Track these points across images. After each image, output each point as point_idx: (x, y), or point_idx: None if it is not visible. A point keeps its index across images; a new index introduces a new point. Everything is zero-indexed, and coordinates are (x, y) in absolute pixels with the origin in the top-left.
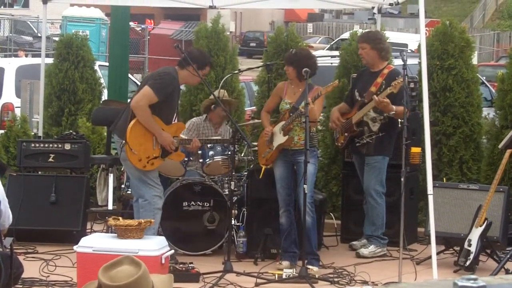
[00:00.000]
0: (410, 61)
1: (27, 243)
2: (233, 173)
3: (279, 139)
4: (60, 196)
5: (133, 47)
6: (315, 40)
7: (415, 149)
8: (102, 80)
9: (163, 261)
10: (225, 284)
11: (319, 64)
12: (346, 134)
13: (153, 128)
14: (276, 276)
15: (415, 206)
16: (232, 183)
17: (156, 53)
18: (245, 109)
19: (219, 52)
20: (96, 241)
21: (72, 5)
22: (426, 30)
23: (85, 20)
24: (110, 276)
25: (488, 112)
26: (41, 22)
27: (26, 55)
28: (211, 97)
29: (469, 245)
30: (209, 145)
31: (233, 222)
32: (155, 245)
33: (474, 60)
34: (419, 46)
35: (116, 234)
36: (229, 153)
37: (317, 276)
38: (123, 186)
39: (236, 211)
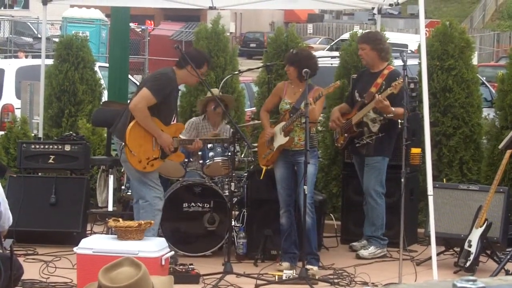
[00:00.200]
0: (410, 62)
1: (27, 244)
2: (233, 174)
3: (280, 139)
4: (60, 197)
5: (133, 48)
6: (315, 41)
7: (415, 150)
8: (102, 81)
9: (163, 263)
10: (225, 286)
11: (319, 65)
12: (346, 134)
13: (152, 130)
14: (276, 277)
15: (415, 207)
16: (232, 184)
17: (156, 54)
18: (245, 110)
19: (219, 53)
20: (96, 243)
21: (72, 6)
22: (426, 30)
23: (85, 21)
24: (110, 277)
25: (488, 113)
26: (41, 23)
27: (26, 56)
28: (207, 95)
29: (469, 246)
30: (209, 146)
31: (233, 223)
32: (155, 247)
33: (474, 61)
34: (419, 46)
35: (116, 236)
36: (229, 154)
37: (317, 277)
38: (123, 187)
39: (236, 212)
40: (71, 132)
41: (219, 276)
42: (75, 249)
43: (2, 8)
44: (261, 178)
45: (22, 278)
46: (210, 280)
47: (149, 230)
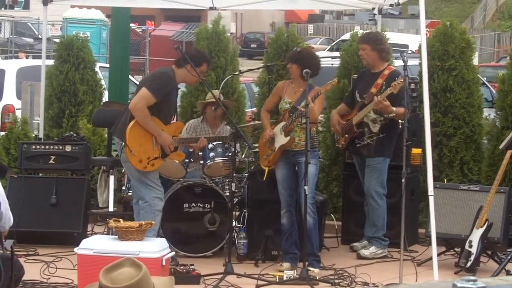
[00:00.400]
0: (410, 62)
1: (28, 245)
2: (234, 175)
3: (281, 140)
4: (61, 198)
5: (134, 48)
6: (316, 41)
7: (416, 150)
8: (102, 82)
9: (163, 263)
10: (226, 286)
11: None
12: (346, 135)
13: (152, 129)
14: (277, 278)
15: (415, 207)
16: (233, 184)
17: (156, 55)
18: (246, 110)
19: (220, 53)
20: (96, 243)
21: (72, 6)
22: (427, 31)
23: (86, 21)
24: (111, 278)
25: (488, 113)
26: (41, 24)
27: (27, 57)
28: (208, 97)
29: (470, 246)
30: (209, 147)
31: (234, 223)
32: (156, 247)
33: (475, 61)
34: (419, 47)
35: (117, 236)
36: (230, 154)
37: (317, 278)
38: (123, 188)
39: (237, 213)
40: (71, 133)
41: (220, 276)
42: (75, 249)
43: (3, 9)
44: (264, 179)
45: (23, 278)
46: (210, 280)
47: (150, 231)
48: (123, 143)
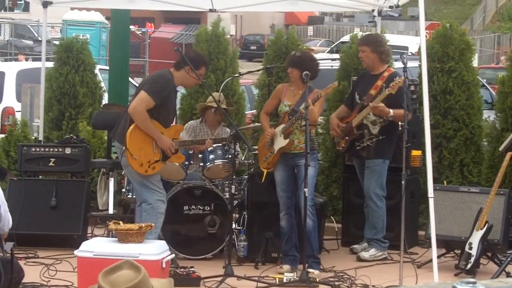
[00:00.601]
0: (410, 64)
1: (28, 247)
2: (234, 177)
3: (280, 142)
4: (61, 200)
5: (134, 50)
6: (316, 43)
7: (416, 152)
8: (102, 84)
9: (163, 265)
10: None
11: (320, 68)
12: (347, 137)
13: (152, 132)
14: (277, 280)
15: (415, 209)
16: (233, 186)
17: (156, 57)
18: (246, 112)
19: (220, 55)
20: (96, 246)
21: (72, 8)
22: (427, 32)
23: (86, 23)
24: (110, 280)
25: (488, 115)
26: (41, 26)
27: (27, 59)
28: (208, 100)
29: (470, 248)
30: (209, 149)
31: (233, 226)
32: (156, 249)
33: (475, 63)
34: (419, 48)
35: (116, 239)
36: (230, 156)
37: (317, 280)
38: (123, 190)
39: (236, 215)
40: (71, 135)
41: (220, 279)
42: (75, 252)
43: (3, 11)
44: (262, 181)
45: (23, 281)
46: (211, 283)
47: (151, 233)
48: (123, 147)
